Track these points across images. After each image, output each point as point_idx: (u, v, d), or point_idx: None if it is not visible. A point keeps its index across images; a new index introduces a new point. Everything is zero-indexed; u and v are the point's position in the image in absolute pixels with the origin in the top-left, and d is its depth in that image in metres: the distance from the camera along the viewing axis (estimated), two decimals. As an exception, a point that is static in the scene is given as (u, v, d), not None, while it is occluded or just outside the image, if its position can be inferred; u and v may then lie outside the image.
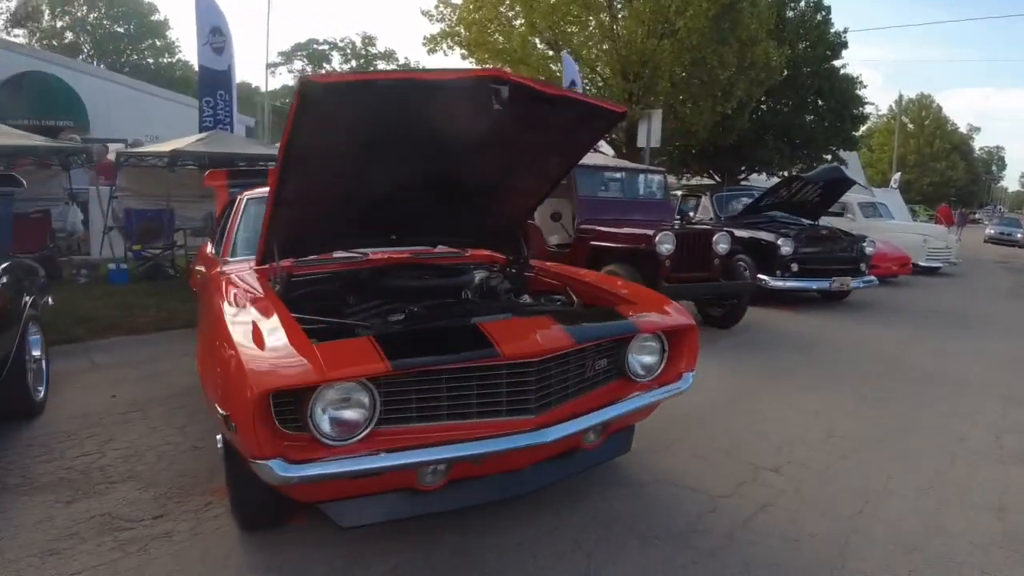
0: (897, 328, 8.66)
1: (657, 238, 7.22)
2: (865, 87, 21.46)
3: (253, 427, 2.29)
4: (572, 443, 3.01)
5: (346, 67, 63.06)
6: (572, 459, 3.15)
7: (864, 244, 9.88)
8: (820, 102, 20.99)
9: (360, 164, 3.30)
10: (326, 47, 62.37)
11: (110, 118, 17.34)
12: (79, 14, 49.46)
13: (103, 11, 50.15)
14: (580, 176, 8.46)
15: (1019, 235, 32.04)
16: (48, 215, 10.21)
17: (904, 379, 6.23)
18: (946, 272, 15.38)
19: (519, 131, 3.33)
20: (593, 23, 16.85)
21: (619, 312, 3.32)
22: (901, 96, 45.33)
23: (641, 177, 9.19)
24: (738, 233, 9.88)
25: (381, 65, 62.58)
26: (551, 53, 17.44)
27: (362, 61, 63.06)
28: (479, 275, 4.22)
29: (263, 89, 60.81)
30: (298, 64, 62.54)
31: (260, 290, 3.39)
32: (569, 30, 17.55)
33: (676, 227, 7.73)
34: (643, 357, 3.31)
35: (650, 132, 15.48)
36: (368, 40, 61.36)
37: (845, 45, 21.39)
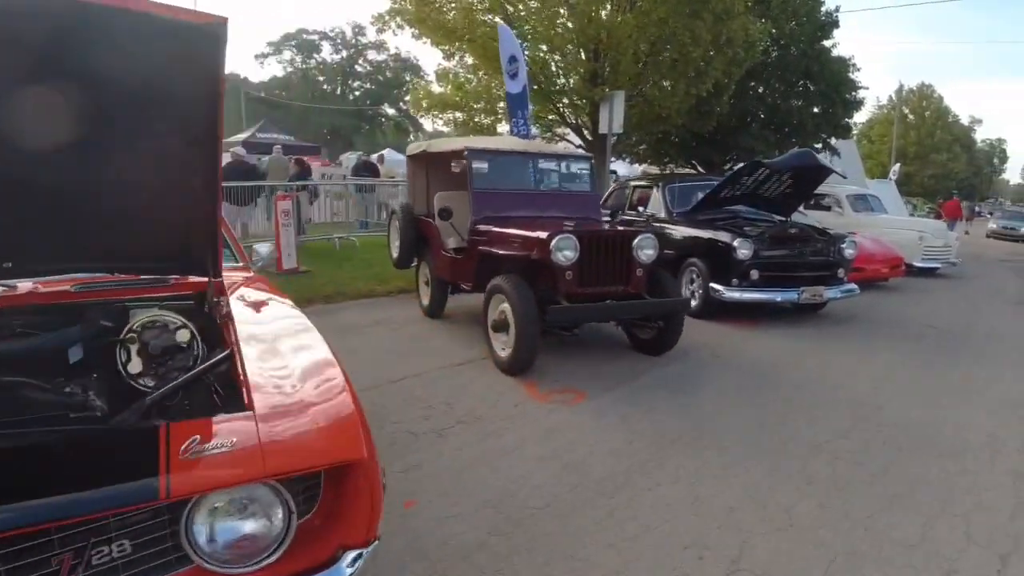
0: (880, 354, 6.79)
1: (553, 243, 5.38)
2: (859, 70, 19.44)
3: None
4: None
5: (336, 57, 61.36)
6: None
7: (843, 245, 8.01)
8: (810, 86, 18.93)
9: None
10: (316, 37, 60.50)
11: None
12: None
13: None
14: (476, 162, 6.63)
15: (1025, 229, 30.06)
16: None
17: (877, 443, 4.38)
18: (945, 273, 13.45)
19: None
20: (553, -5, 14.93)
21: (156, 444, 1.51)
22: (901, 86, 43.20)
23: (561, 164, 7.32)
24: (691, 232, 8.12)
25: (372, 56, 60.97)
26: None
27: (352, 51, 61.11)
28: (142, 319, 2.47)
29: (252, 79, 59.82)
30: (287, 55, 60.81)
31: None
32: (532, 4, 15.61)
33: (585, 227, 5.88)
34: (231, 525, 1.53)
35: (612, 116, 13.72)
36: (359, 30, 59.26)
37: (836, 24, 19.37)
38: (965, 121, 62.04)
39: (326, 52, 61.47)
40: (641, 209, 9.36)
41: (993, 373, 6.22)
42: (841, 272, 7.98)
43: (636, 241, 5.72)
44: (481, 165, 6.76)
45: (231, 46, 1.85)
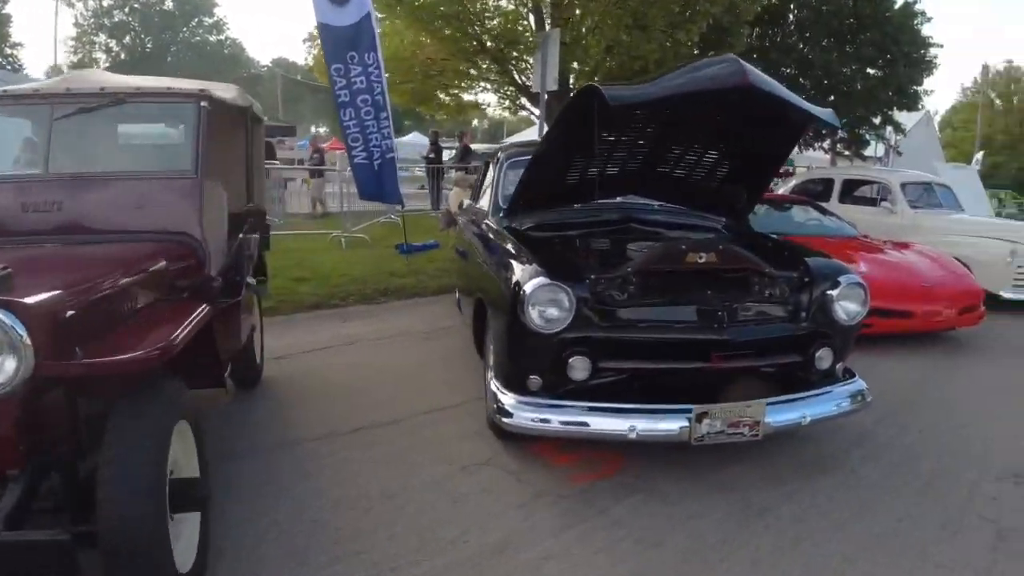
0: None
1: None
2: (929, 20, 13.88)
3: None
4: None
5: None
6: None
7: (834, 292, 3.25)
8: (863, 38, 13.48)
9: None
10: (371, 18, 57.49)
11: None
12: (128, -7, 48.08)
13: (149, -12, 48.82)
14: None
15: None
16: None
17: None
18: (1050, 306, 8.26)
19: None
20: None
21: None
22: (986, 67, 36.56)
23: (131, 118, 2.84)
24: (483, 257, 3.61)
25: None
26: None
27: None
28: None
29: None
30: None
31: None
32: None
33: None
34: None
35: (545, 67, 9.23)
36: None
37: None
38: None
39: (381, 32, 58.75)
40: (449, 210, 4.83)
41: None
42: (824, 356, 3.26)
43: None
44: None
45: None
